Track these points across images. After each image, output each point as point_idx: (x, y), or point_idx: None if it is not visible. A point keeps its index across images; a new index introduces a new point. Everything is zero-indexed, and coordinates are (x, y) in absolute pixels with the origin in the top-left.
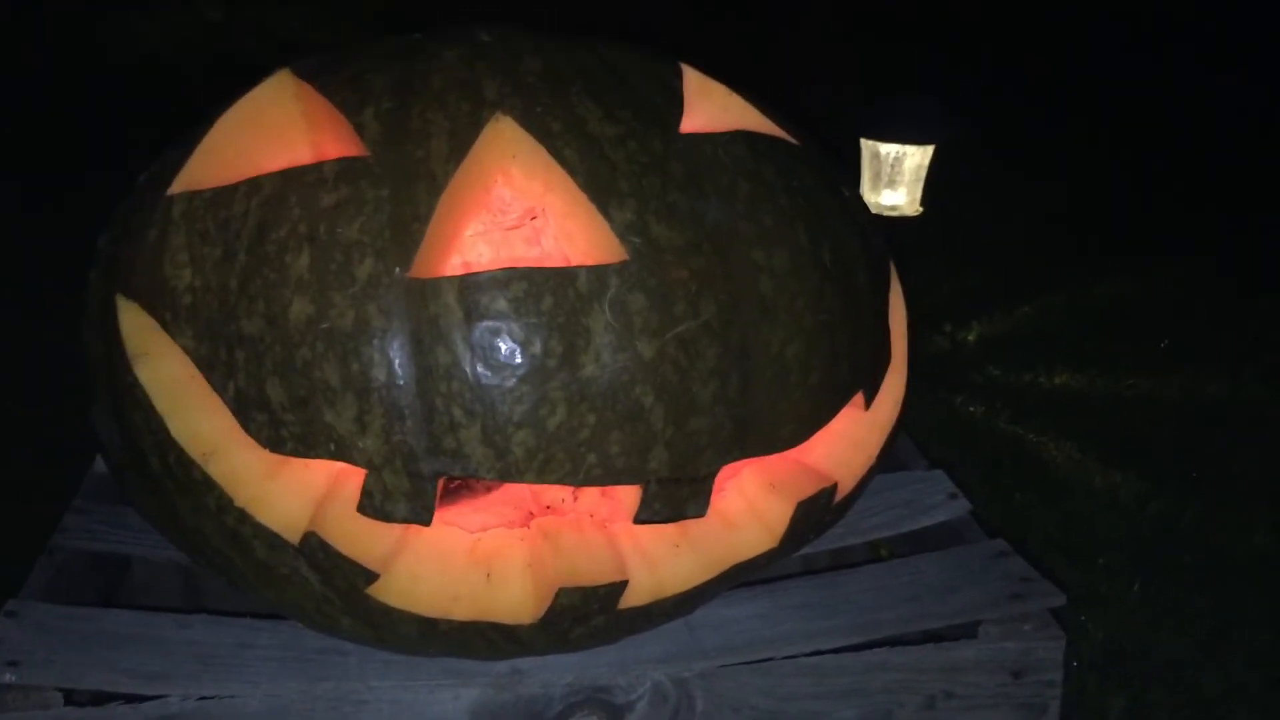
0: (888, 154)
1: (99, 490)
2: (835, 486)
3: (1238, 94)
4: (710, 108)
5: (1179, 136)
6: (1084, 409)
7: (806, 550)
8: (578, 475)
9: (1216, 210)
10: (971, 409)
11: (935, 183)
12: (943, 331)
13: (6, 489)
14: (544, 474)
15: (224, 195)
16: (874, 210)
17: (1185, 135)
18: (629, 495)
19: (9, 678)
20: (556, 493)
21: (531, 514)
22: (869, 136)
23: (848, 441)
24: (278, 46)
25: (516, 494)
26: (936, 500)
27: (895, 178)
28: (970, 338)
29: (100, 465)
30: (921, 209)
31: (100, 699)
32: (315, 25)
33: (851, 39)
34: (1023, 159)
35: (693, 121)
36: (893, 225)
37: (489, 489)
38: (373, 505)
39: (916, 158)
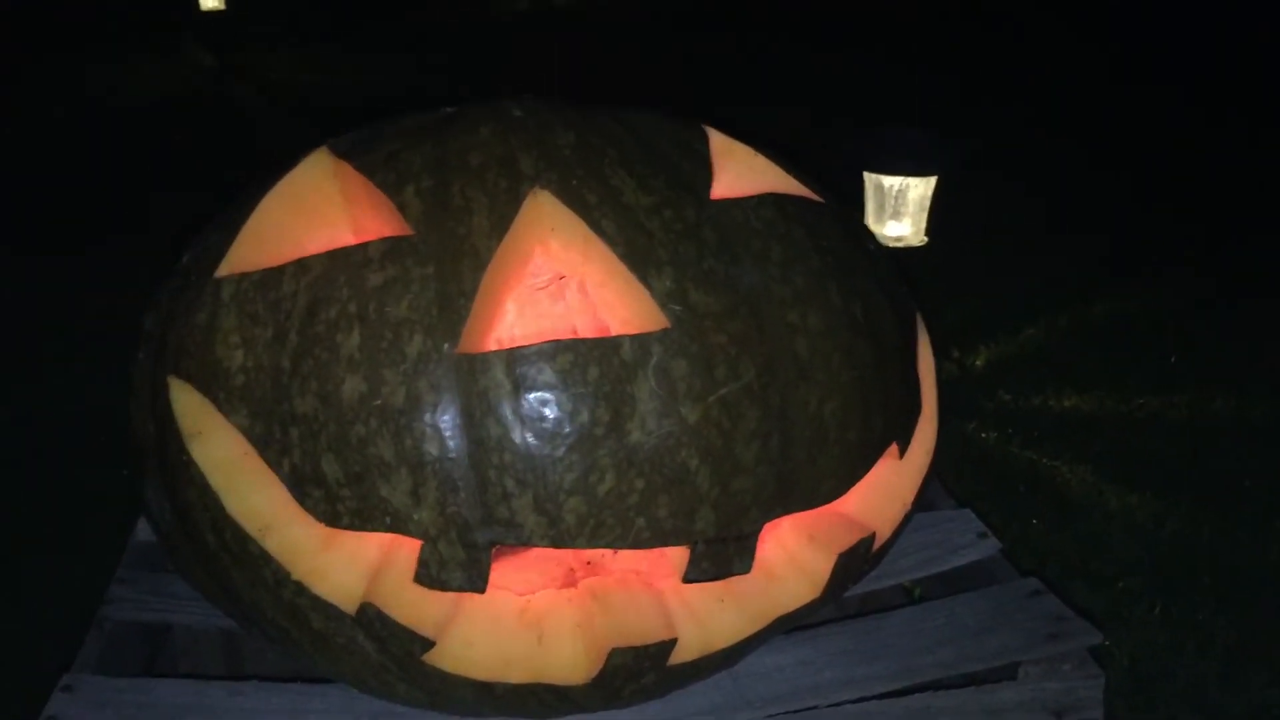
0: (891, 186)
1: (141, 558)
2: (874, 536)
3: (1236, 104)
4: (736, 169)
5: (1176, 152)
6: (1095, 430)
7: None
8: (627, 539)
9: (1216, 225)
10: (983, 434)
11: (935, 208)
12: (951, 358)
13: (46, 554)
14: (595, 539)
15: (272, 277)
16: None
17: (1183, 150)
18: (676, 554)
19: None
20: (596, 550)
21: (573, 569)
22: (872, 170)
23: (883, 491)
24: (268, 90)
25: (557, 552)
26: (967, 540)
27: (900, 209)
28: (978, 363)
29: (142, 532)
30: (926, 239)
31: None
32: (304, 69)
33: (850, 72)
34: (1019, 180)
35: (721, 185)
36: (898, 256)
37: (528, 547)
38: (429, 575)
39: (920, 188)
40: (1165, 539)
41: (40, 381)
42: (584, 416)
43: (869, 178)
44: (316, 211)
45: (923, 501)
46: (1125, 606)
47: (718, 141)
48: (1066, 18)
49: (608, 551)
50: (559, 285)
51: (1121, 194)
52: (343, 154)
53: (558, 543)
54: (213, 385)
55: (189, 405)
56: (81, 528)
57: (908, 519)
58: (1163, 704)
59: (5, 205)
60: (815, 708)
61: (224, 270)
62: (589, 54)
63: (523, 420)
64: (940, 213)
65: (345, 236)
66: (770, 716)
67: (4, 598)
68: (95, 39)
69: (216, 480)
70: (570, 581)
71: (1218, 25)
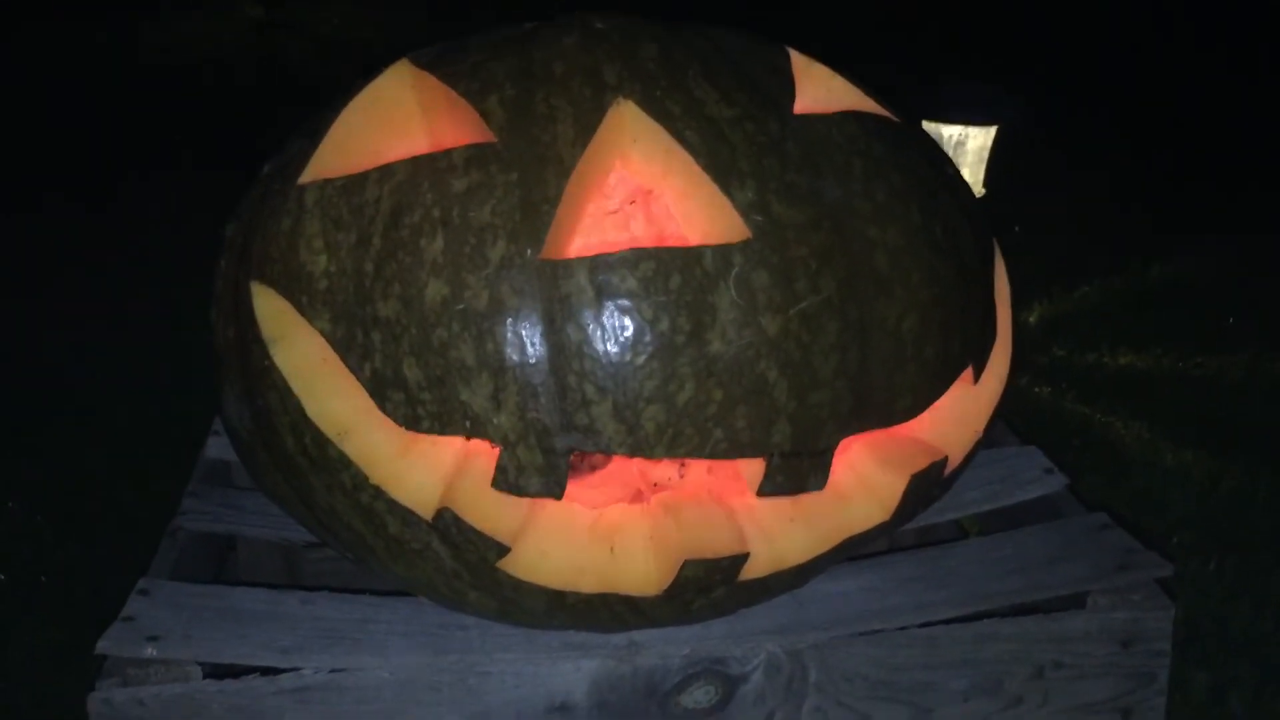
0: (950, 136)
1: (210, 475)
2: (946, 459)
3: None
4: (816, 89)
5: (1239, 112)
6: (1150, 388)
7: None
8: (705, 449)
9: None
10: (1036, 389)
11: (993, 160)
12: None
13: (120, 471)
14: (673, 448)
15: (356, 182)
16: None
17: (1245, 110)
18: (750, 469)
19: (151, 652)
20: (663, 471)
21: (640, 491)
22: (931, 118)
23: (957, 416)
24: (318, 44)
25: (624, 472)
26: (1033, 475)
27: (959, 159)
28: (1032, 319)
29: (211, 450)
30: (985, 190)
31: (236, 672)
32: (355, 23)
33: (910, 21)
34: (1078, 138)
35: (803, 101)
36: None
37: (593, 468)
38: (506, 481)
39: (979, 139)
40: (1221, 496)
41: (109, 316)
42: (664, 325)
43: (928, 126)
44: (395, 122)
45: (987, 440)
46: (1180, 562)
47: (799, 60)
48: None
49: (674, 474)
50: (626, 213)
51: (1182, 154)
52: (425, 65)
53: (636, 451)
54: (295, 290)
55: (271, 310)
56: (153, 448)
57: (978, 446)
58: (1217, 657)
59: (58, 158)
60: (881, 631)
61: (307, 177)
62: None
63: (603, 327)
64: (998, 166)
65: (422, 147)
66: (837, 638)
67: (80, 513)
68: None
69: (297, 384)
70: (638, 501)
71: None
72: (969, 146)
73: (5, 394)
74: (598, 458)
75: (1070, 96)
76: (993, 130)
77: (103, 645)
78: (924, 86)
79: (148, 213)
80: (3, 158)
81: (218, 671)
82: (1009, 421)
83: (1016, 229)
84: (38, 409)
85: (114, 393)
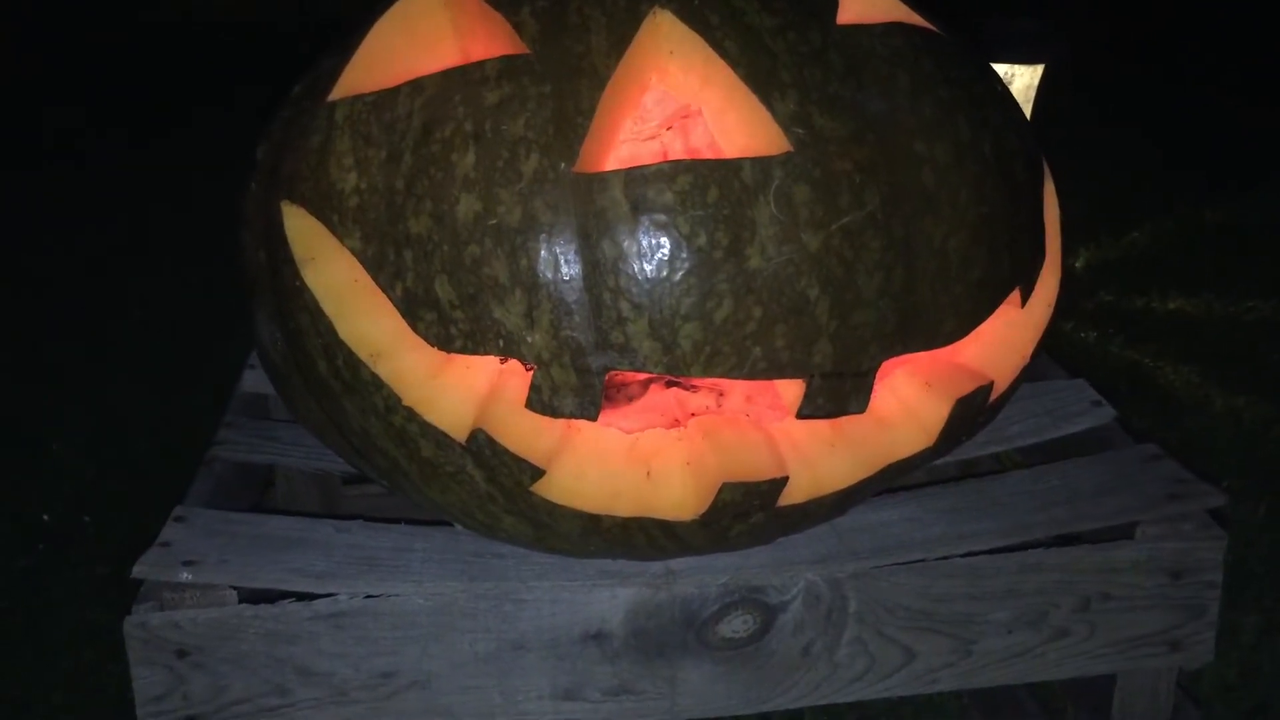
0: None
1: (246, 408)
2: (991, 385)
3: None
4: (860, 2)
5: None
6: (1201, 333)
7: (946, 459)
8: (743, 368)
9: None
10: (1083, 334)
11: (1040, 99)
12: None
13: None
14: (710, 367)
15: (386, 98)
16: None
17: None
18: (788, 391)
19: (186, 576)
20: (701, 401)
21: (677, 421)
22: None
23: (1002, 340)
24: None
25: (661, 401)
26: (1080, 408)
27: None
28: (1077, 264)
29: (247, 383)
30: None
31: (272, 597)
32: None
33: None
34: (1128, 78)
35: (847, 12)
36: None
37: (630, 399)
38: (540, 401)
39: (1026, 77)
40: (1273, 441)
41: (147, 257)
42: (702, 240)
43: None
44: (425, 35)
45: (1033, 372)
46: (1230, 507)
47: None
48: None
49: (712, 404)
50: (663, 140)
51: (1236, 95)
52: None
53: (672, 370)
54: (326, 208)
55: (302, 230)
56: (194, 388)
57: (1025, 373)
58: (1268, 601)
59: (99, 102)
60: (923, 560)
61: (337, 94)
62: None
63: (639, 242)
64: (1046, 105)
65: (453, 61)
66: (878, 568)
67: (123, 454)
68: None
69: (329, 306)
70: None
71: None
72: (1015, 85)
73: (47, 337)
74: (635, 388)
75: (1120, 35)
76: (1039, 69)
77: (138, 570)
78: (970, 23)
79: (187, 153)
80: (47, 104)
81: (253, 596)
82: (1056, 356)
83: (1063, 171)
84: (80, 351)
85: (155, 333)
